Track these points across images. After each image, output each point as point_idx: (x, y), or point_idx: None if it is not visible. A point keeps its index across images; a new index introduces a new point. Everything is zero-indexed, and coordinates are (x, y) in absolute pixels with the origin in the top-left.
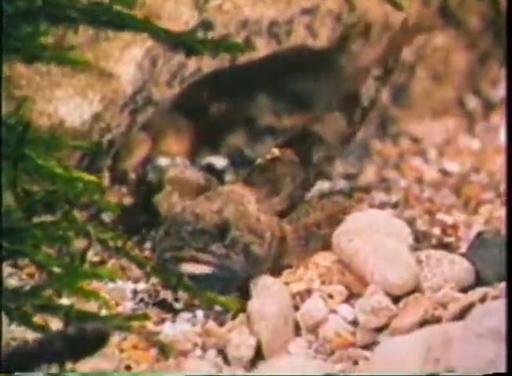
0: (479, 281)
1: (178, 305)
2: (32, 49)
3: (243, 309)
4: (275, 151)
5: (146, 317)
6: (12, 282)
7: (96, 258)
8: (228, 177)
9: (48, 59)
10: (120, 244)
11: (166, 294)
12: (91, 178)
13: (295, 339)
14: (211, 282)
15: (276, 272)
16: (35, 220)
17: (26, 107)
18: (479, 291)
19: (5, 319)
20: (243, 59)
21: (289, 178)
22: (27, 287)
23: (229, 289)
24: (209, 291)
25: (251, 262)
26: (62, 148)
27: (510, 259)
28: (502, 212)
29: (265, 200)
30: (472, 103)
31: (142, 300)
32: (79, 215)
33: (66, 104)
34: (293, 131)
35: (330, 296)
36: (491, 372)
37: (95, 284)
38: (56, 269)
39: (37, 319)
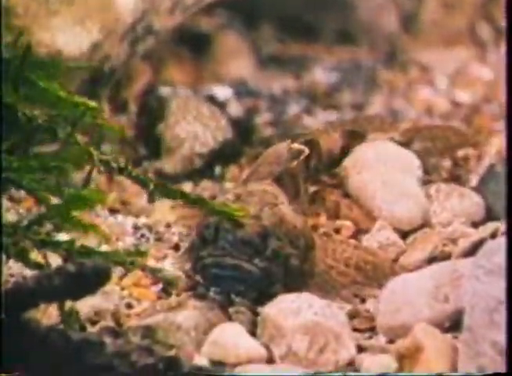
0: (490, 215)
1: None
2: None
3: None
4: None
5: (145, 254)
6: (9, 217)
7: None
8: (232, 108)
9: None
10: (122, 164)
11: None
12: (94, 104)
13: None
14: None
15: None
16: (35, 149)
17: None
18: (490, 226)
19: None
20: None
21: (302, 174)
22: (25, 222)
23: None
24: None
25: (289, 274)
26: (62, 70)
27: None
28: None
29: (293, 200)
30: (484, 31)
31: (142, 235)
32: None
33: (65, 33)
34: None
35: (337, 231)
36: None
37: (93, 219)
38: (54, 200)
39: (35, 256)
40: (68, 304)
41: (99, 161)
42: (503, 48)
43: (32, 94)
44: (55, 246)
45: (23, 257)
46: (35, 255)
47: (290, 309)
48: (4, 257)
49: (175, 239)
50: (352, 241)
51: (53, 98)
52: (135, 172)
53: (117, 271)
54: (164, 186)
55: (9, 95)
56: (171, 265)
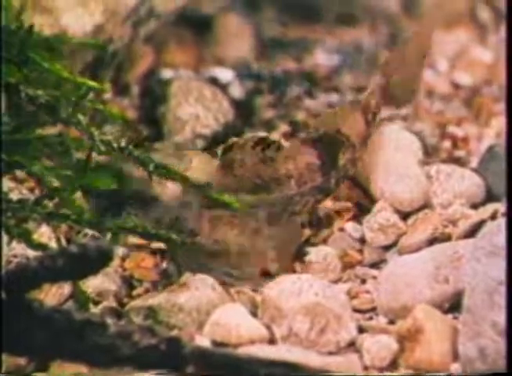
0: (490, 197)
1: None
2: None
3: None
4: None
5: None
6: (12, 197)
7: None
8: (234, 90)
9: None
10: (123, 143)
11: None
12: (95, 84)
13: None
14: None
15: None
16: (37, 131)
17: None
18: (490, 208)
19: (5, 237)
20: None
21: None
22: (30, 200)
23: None
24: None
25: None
26: (66, 46)
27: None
28: None
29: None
30: (484, 13)
31: None
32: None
33: (67, 15)
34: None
35: (337, 213)
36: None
37: None
38: (54, 181)
39: (38, 236)
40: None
41: (100, 141)
42: (503, 31)
43: (35, 74)
44: (64, 218)
45: (26, 238)
46: (38, 236)
47: (291, 290)
48: (6, 238)
49: None
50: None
51: (56, 78)
52: (136, 152)
53: (119, 252)
54: (164, 168)
55: (11, 75)
56: None
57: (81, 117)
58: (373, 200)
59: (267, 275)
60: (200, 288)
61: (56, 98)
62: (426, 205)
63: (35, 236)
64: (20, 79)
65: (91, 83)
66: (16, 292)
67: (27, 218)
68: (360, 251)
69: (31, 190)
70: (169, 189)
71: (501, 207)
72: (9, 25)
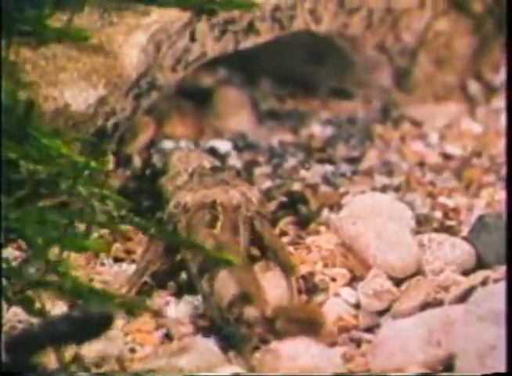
0: (480, 264)
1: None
2: (38, 31)
3: None
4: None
5: (145, 306)
6: (15, 265)
7: None
8: (232, 160)
9: (54, 39)
10: (124, 212)
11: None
12: (95, 164)
13: None
14: None
15: None
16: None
17: (29, 90)
18: (480, 274)
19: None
20: (246, 43)
21: None
22: (16, 264)
23: None
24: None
25: None
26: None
27: (511, 244)
28: (503, 195)
29: None
30: (474, 87)
31: (145, 283)
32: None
33: (71, 88)
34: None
35: (333, 279)
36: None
37: (99, 268)
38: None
39: (39, 304)
40: (72, 350)
41: (101, 212)
42: (493, 103)
43: (35, 150)
44: (48, 285)
45: (26, 305)
46: (39, 304)
47: (288, 353)
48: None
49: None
50: None
51: (56, 155)
52: (136, 219)
53: (120, 317)
54: (163, 231)
55: (11, 151)
56: (173, 312)
57: (81, 188)
58: (367, 267)
59: None
60: (199, 351)
61: (56, 172)
62: (418, 272)
63: (38, 303)
64: (21, 154)
65: (92, 163)
66: (21, 356)
67: (25, 287)
68: (355, 316)
69: None
70: None
71: (491, 274)
72: (8, 101)
